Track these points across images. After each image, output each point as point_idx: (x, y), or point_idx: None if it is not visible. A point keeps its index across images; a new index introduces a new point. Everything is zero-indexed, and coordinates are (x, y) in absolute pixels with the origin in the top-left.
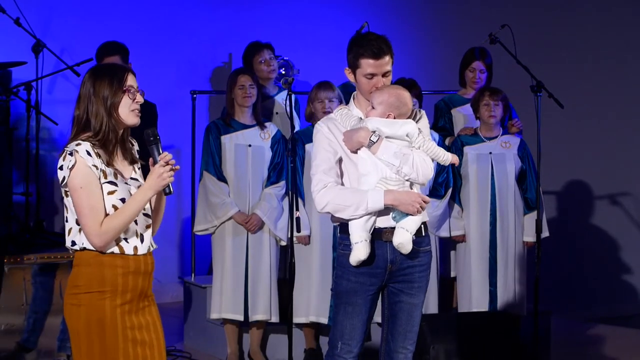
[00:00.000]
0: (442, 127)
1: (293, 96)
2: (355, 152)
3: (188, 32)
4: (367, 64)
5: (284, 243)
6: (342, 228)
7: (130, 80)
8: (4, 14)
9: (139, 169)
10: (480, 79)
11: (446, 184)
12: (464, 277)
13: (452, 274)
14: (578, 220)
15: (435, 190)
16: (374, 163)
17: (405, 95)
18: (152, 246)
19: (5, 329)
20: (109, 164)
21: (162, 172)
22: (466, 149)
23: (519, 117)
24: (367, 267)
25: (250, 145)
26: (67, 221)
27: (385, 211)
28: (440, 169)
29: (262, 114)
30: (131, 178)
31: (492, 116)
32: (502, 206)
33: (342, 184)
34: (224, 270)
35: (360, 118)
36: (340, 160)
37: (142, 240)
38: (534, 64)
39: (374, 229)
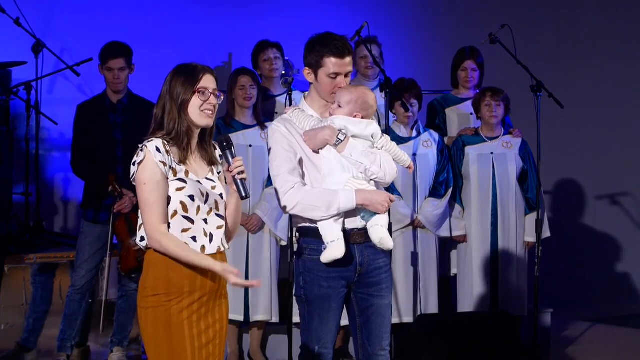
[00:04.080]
0: (436, 126)
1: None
2: (317, 152)
3: (188, 32)
4: (332, 63)
5: (284, 243)
6: (304, 232)
7: (205, 81)
8: (4, 14)
9: (218, 172)
10: (473, 77)
11: (446, 183)
12: (465, 277)
13: (453, 272)
14: (578, 220)
15: (436, 189)
16: (340, 162)
17: (372, 96)
18: (222, 247)
19: (5, 329)
20: (181, 161)
21: (229, 276)
22: (467, 149)
23: (520, 117)
24: (337, 271)
25: (250, 146)
26: (139, 216)
27: (351, 212)
28: (440, 168)
29: (263, 114)
30: (206, 178)
31: (493, 116)
32: (503, 206)
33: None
34: None
35: (319, 119)
36: (299, 162)
37: (210, 240)
38: (534, 64)
39: (343, 230)
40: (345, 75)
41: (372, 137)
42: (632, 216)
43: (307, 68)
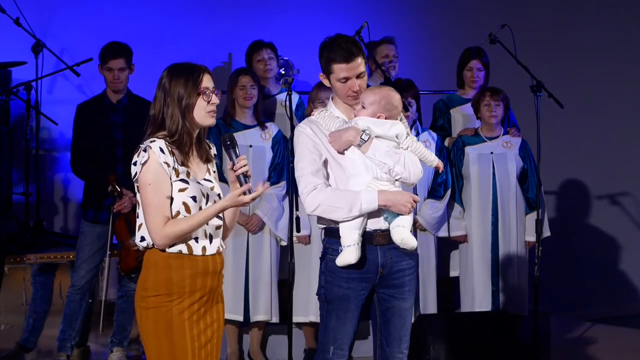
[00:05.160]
0: (440, 126)
1: (299, 96)
2: (342, 153)
3: (188, 32)
4: (340, 69)
5: (284, 243)
6: (329, 232)
7: (206, 82)
8: (4, 14)
9: (214, 172)
10: (479, 77)
11: (445, 184)
12: (466, 277)
13: (452, 274)
14: (578, 220)
15: (435, 190)
16: (365, 163)
17: (397, 97)
18: (221, 247)
19: (5, 329)
20: (183, 163)
21: (240, 198)
22: (467, 149)
23: (519, 117)
24: (358, 272)
25: (251, 146)
26: (138, 217)
27: (374, 213)
28: None
29: (263, 113)
30: (204, 179)
31: (493, 116)
32: (503, 206)
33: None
34: (224, 270)
35: (345, 120)
36: (325, 163)
37: (211, 241)
38: (534, 64)
39: (364, 232)
40: (357, 77)
41: (397, 138)
42: (632, 216)
43: (321, 74)
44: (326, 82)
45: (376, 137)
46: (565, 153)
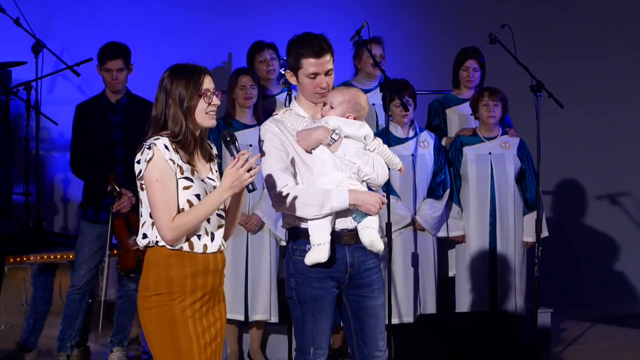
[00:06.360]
0: (436, 126)
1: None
2: (310, 153)
3: (188, 32)
4: (309, 64)
5: (284, 243)
6: (296, 233)
7: (207, 83)
8: (4, 14)
9: (216, 170)
10: (475, 77)
11: (444, 184)
12: (464, 278)
13: (450, 274)
14: (578, 220)
15: (434, 190)
16: (334, 163)
17: (364, 98)
18: (222, 245)
19: (5, 329)
20: (189, 162)
21: (240, 174)
22: (465, 149)
23: (519, 117)
24: (328, 271)
25: (251, 145)
26: (141, 215)
27: (342, 213)
28: (437, 169)
29: (263, 113)
30: (208, 177)
31: (491, 116)
32: (501, 206)
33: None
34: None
35: (312, 120)
36: (291, 162)
37: (212, 239)
38: (534, 64)
39: (332, 231)
40: (326, 74)
41: (365, 139)
42: (632, 216)
43: (288, 71)
44: (293, 80)
45: (345, 137)
46: (565, 153)
